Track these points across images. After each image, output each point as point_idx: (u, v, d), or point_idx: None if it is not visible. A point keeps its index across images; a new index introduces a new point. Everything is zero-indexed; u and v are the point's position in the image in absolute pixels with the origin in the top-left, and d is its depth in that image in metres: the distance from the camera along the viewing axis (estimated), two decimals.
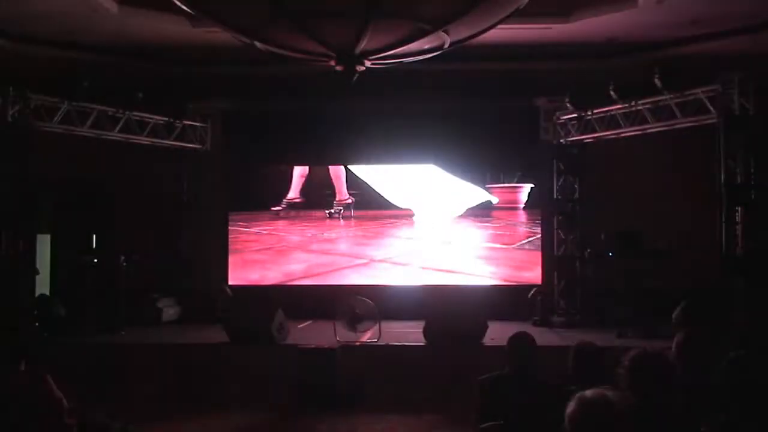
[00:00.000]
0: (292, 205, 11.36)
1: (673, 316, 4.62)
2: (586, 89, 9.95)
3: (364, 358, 7.97)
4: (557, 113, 10.59)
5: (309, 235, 11.35)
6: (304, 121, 10.95)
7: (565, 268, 10.67)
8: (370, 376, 7.71)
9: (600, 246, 9.90)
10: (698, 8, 7.69)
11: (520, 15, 6.66)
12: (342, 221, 11.10)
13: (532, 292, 10.40)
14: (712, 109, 8.68)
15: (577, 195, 10.73)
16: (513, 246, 11.04)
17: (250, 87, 10.55)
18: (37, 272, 9.25)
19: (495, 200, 11.13)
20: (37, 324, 8.95)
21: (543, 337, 7.52)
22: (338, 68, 6.52)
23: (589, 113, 10.05)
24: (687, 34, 8.62)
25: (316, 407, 7.28)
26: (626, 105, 9.52)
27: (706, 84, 8.70)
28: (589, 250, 10.30)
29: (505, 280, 10.92)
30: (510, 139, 10.78)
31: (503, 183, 11.24)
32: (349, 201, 11.03)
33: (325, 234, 11.33)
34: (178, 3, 6.10)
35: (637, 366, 2.98)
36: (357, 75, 6.60)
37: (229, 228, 11.33)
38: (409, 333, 8.64)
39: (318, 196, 11.32)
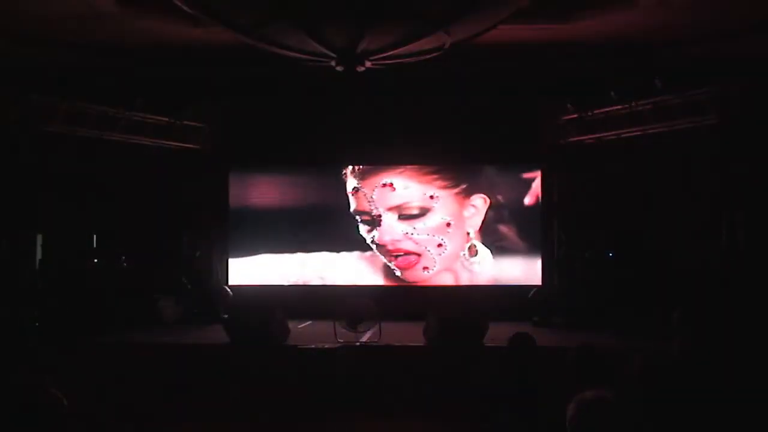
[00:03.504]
0: None
1: (674, 317, 4.63)
2: (586, 89, 9.95)
3: (364, 358, 7.98)
4: (557, 114, 10.59)
5: None
6: (305, 122, 10.94)
7: (565, 269, 10.67)
8: (370, 376, 7.71)
9: (600, 246, 9.90)
10: (698, 8, 7.68)
11: (520, 15, 6.68)
12: None
13: (532, 292, 10.41)
14: (712, 109, 8.68)
15: (577, 195, 10.72)
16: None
17: (250, 87, 10.54)
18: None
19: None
20: (37, 324, 8.95)
21: (543, 337, 7.50)
22: (339, 68, 6.54)
23: (589, 113, 10.04)
24: (687, 34, 8.61)
25: (316, 407, 7.28)
26: (626, 105, 9.52)
27: (706, 85, 8.71)
28: (589, 251, 10.31)
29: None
30: (510, 140, 10.77)
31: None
32: None
33: None
34: (178, 3, 6.11)
35: (649, 368, 2.98)
36: (358, 75, 6.62)
37: None
38: (409, 333, 8.64)
39: None
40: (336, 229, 11.07)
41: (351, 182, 11.08)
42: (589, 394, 2.31)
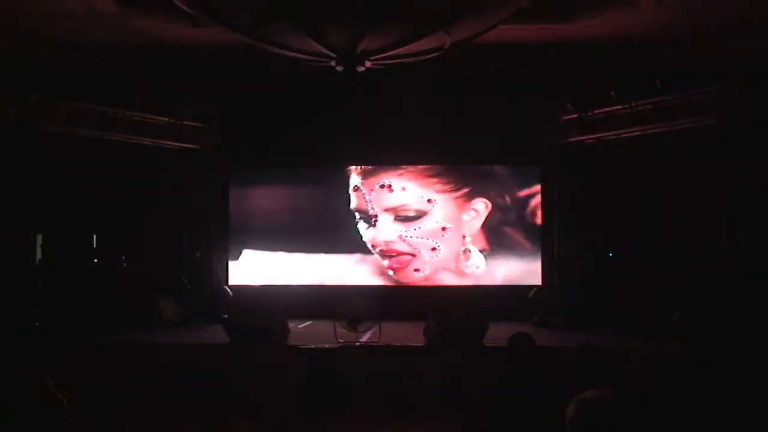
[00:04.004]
0: None
1: (673, 317, 4.62)
2: (586, 89, 9.95)
3: (364, 358, 7.98)
4: (557, 114, 10.58)
5: None
6: (305, 122, 10.94)
7: (565, 269, 10.67)
8: (370, 376, 7.71)
9: (600, 246, 9.89)
10: (698, 8, 7.68)
11: (520, 15, 6.68)
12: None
13: (532, 292, 10.41)
14: (712, 109, 8.68)
15: (577, 196, 10.72)
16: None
17: (250, 87, 10.54)
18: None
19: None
20: (37, 324, 8.95)
21: (543, 337, 7.51)
22: (339, 68, 6.54)
23: (589, 113, 10.04)
24: (687, 34, 8.61)
25: (316, 407, 7.29)
26: (626, 105, 9.51)
27: (706, 85, 8.71)
28: (589, 251, 10.30)
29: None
30: (510, 140, 10.76)
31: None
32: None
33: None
34: (178, 3, 6.12)
35: (649, 368, 2.98)
36: (358, 75, 6.62)
37: None
38: (409, 333, 8.64)
39: None
40: (336, 229, 11.06)
41: (354, 179, 11.09)
42: (589, 394, 2.31)
